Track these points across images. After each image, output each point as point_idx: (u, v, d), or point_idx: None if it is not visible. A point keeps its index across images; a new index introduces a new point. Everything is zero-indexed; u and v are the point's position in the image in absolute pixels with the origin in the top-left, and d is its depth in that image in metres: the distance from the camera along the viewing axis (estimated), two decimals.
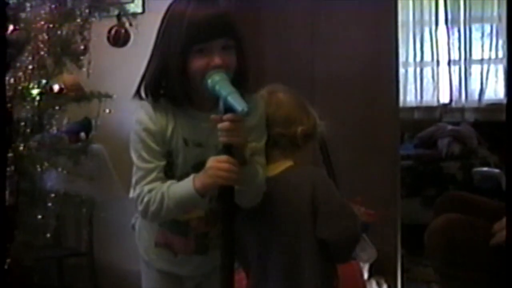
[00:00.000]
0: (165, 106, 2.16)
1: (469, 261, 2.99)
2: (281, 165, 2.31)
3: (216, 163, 2.03)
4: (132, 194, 2.20)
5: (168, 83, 2.15)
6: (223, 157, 2.02)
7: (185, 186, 2.09)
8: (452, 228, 3.27)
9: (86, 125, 4.22)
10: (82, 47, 3.43)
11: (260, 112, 2.26)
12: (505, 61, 7.19)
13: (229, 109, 1.98)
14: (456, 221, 3.30)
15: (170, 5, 2.18)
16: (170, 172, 2.17)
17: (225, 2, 2.14)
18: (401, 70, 7.31)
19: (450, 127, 6.88)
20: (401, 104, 5.22)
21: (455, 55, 7.72)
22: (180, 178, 2.14)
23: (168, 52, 2.12)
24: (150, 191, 2.12)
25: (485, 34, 7.49)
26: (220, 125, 2.00)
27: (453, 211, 3.48)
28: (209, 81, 2.03)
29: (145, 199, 2.12)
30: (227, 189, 2.07)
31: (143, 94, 2.19)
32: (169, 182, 2.13)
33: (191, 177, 2.09)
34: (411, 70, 7.93)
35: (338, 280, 2.36)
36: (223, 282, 2.08)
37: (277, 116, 2.30)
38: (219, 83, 2.02)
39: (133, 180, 2.18)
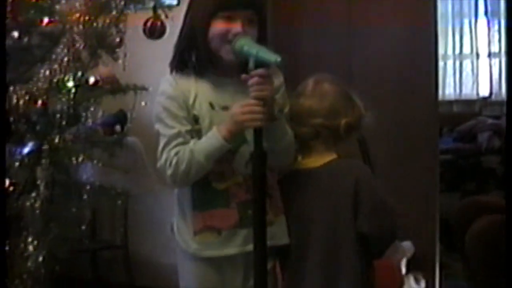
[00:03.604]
0: (188, 75, 2.26)
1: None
2: (324, 157, 2.34)
3: (239, 107, 2.09)
4: (158, 163, 2.23)
5: (192, 50, 2.25)
6: (246, 101, 2.08)
7: (211, 137, 2.15)
8: (495, 230, 3.22)
9: (121, 117, 4.22)
10: (117, 40, 3.41)
11: (281, 80, 2.33)
12: None
13: (260, 65, 2.05)
14: (499, 223, 3.24)
15: None
16: (198, 138, 2.20)
17: None
18: (440, 63, 7.23)
19: (490, 120, 6.81)
20: (440, 97, 5.15)
21: (495, 48, 7.63)
22: None
23: (194, 18, 2.24)
24: (176, 153, 2.17)
25: None
26: (251, 81, 2.06)
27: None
28: (237, 44, 2.12)
29: (173, 161, 2.17)
30: (259, 153, 2.07)
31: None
32: (193, 140, 2.19)
33: (214, 128, 2.15)
34: (450, 63, 7.87)
35: (375, 274, 2.37)
36: (256, 254, 2.07)
37: (321, 107, 2.32)
38: (246, 44, 2.10)
39: (159, 149, 2.22)
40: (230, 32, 2.15)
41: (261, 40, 2.20)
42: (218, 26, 2.17)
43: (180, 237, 2.34)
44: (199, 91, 2.23)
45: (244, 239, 2.23)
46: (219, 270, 2.30)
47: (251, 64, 2.07)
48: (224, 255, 2.26)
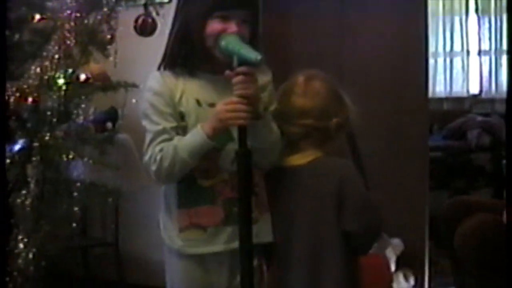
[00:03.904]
0: (176, 72, 2.27)
1: (500, 262, 2.94)
2: (310, 155, 2.33)
3: (223, 105, 2.11)
4: (144, 159, 2.25)
5: (186, 48, 2.25)
6: (230, 99, 2.09)
7: (195, 134, 2.16)
8: (486, 229, 3.23)
9: (112, 114, 4.22)
10: (108, 36, 3.41)
11: (269, 77, 2.35)
12: None
13: (243, 63, 2.07)
14: (489, 222, 3.26)
15: None
16: (184, 134, 2.21)
17: None
18: (431, 61, 7.26)
19: (479, 118, 6.83)
20: (430, 95, 5.16)
21: (485, 45, 7.65)
22: None
23: (189, 18, 2.24)
24: (161, 149, 2.18)
25: None
26: (234, 79, 2.08)
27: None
28: (223, 42, 2.14)
29: (158, 158, 2.18)
30: (243, 151, 2.08)
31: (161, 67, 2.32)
32: (178, 137, 2.20)
33: (199, 125, 2.16)
34: (440, 60, 7.89)
35: (361, 271, 2.37)
36: (241, 251, 2.09)
37: (312, 107, 2.30)
38: (232, 42, 2.12)
39: (145, 145, 2.24)
40: (225, 31, 2.16)
41: (253, 39, 2.22)
42: (213, 26, 2.18)
43: (165, 234, 2.35)
44: (186, 87, 2.25)
45: (229, 236, 2.23)
46: (204, 267, 2.30)
47: (235, 62, 2.08)
48: (209, 252, 2.27)
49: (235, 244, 2.15)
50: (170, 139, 2.19)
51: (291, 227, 2.29)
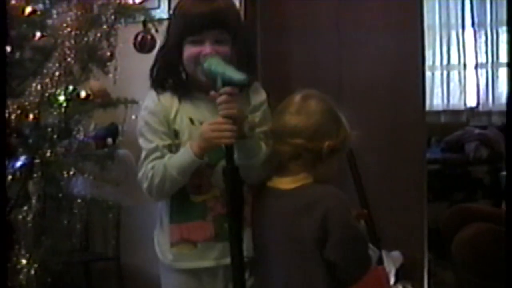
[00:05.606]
0: (171, 93, 2.31)
1: (496, 271, 2.95)
2: (299, 180, 2.28)
3: (209, 125, 2.16)
4: (138, 176, 2.29)
5: (169, 72, 2.31)
6: (215, 120, 2.13)
7: (184, 153, 2.20)
8: (482, 238, 3.24)
9: (112, 130, 4.25)
10: (108, 54, 3.45)
11: (263, 97, 2.38)
12: None
13: (227, 84, 2.11)
14: (485, 232, 3.28)
15: (178, 3, 2.37)
16: (177, 152, 2.25)
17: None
18: (428, 74, 7.28)
19: (477, 131, 6.84)
20: (427, 108, 5.20)
21: (482, 58, 7.68)
22: None
23: (168, 44, 2.31)
24: (153, 167, 2.23)
25: None
26: (218, 100, 2.12)
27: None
28: (205, 64, 2.18)
29: (149, 175, 2.22)
30: (230, 168, 2.12)
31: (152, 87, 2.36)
32: (169, 155, 2.23)
33: (187, 144, 2.20)
34: (437, 73, 7.91)
35: None
36: (233, 267, 2.12)
37: (305, 127, 2.25)
38: (214, 64, 2.15)
39: (139, 162, 2.29)
40: (200, 54, 2.20)
41: (240, 57, 2.26)
42: (189, 50, 2.23)
43: (158, 248, 2.38)
44: (181, 106, 2.29)
45: (221, 252, 2.26)
46: (198, 281, 2.33)
47: (218, 82, 2.11)
48: (200, 267, 2.30)
49: (227, 260, 2.17)
50: (162, 157, 2.23)
51: (273, 251, 2.27)
